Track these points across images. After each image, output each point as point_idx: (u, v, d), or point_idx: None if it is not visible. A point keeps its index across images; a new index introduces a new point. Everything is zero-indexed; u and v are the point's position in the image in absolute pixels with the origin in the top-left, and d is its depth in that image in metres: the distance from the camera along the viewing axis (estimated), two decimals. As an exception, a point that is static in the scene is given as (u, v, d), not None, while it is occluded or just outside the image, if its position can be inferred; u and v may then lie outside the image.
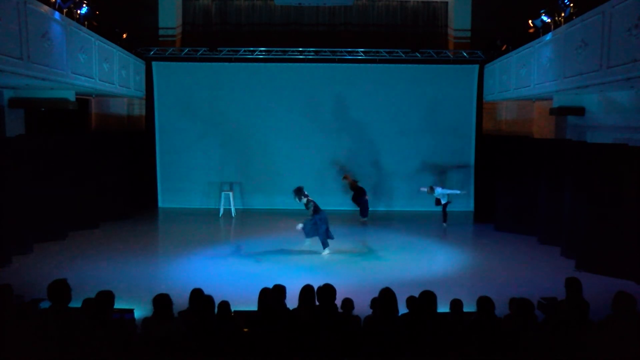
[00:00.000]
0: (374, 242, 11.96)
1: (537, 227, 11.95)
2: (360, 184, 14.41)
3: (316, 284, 5.55)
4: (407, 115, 15.60)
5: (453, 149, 15.68)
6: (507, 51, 13.52)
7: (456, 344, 4.58)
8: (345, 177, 14.74)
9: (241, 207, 15.56)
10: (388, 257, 10.74)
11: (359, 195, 14.23)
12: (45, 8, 8.86)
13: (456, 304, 5.48)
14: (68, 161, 11.91)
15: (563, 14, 10.35)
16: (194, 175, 15.73)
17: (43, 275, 8.34)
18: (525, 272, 9.67)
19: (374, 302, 5.56)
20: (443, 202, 13.56)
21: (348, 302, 5.63)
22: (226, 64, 15.54)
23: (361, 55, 15.35)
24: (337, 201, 15.30)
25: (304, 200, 10.96)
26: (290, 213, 13.60)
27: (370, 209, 14.34)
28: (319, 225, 10.86)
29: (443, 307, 5.27)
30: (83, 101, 13.52)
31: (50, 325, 4.39)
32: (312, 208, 10.90)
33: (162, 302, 4.77)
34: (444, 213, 13.72)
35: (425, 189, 13.58)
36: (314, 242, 11.03)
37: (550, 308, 6.59)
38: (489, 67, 14.98)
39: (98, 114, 14.93)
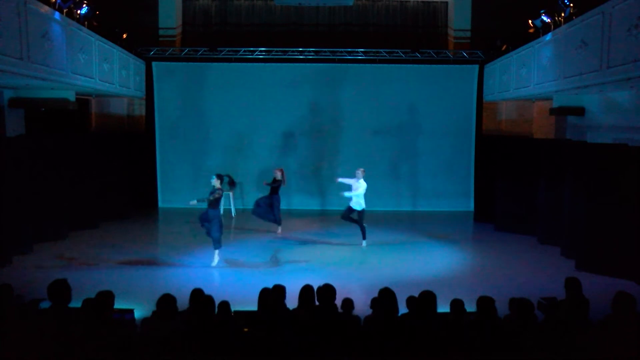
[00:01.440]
0: (373, 242, 11.94)
1: (537, 227, 11.95)
2: (278, 191, 12.55)
3: (316, 284, 5.55)
4: (407, 115, 15.59)
5: (453, 149, 15.69)
6: (507, 51, 13.50)
7: (456, 344, 4.58)
8: (281, 171, 12.66)
9: (241, 207, 15.54)
10: (388, 257, 10.74)
11: (272, 195, 12.47)
12: (45, 8, 8.84)
13: (456, 304, 5.47)
14: (68, 161, 11.90)
15: (563, 14, 10.34)
16: (194, 175, 15.72)
17: (43, 275, 8.34)
18: (525, 272, 9.67)
19: (374, 302, 5.56)
20: (358, 208, 11.31)
21: (348, 302, 5.62)
22: (226, 64, 15.52)
23: (361, 55, 15.34)
24: (337, 201, 15.28)
25: (216, 187, 9.92)
26: (290, 213, 13.58)
27: (370, 209, 14.21)
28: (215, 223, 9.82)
29: (443, 307, 5.27)
30: (83, 101, 13.50)
31: (50, 325, 4.39)
32: (216, 197, 9.88)
33: (166, 302, 4.77)
34: (361, 227, 11.38)
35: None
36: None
37: (550, 308, 6.58)
38: (489, 67, 14.97)
39: (98, 114, 14.92)
